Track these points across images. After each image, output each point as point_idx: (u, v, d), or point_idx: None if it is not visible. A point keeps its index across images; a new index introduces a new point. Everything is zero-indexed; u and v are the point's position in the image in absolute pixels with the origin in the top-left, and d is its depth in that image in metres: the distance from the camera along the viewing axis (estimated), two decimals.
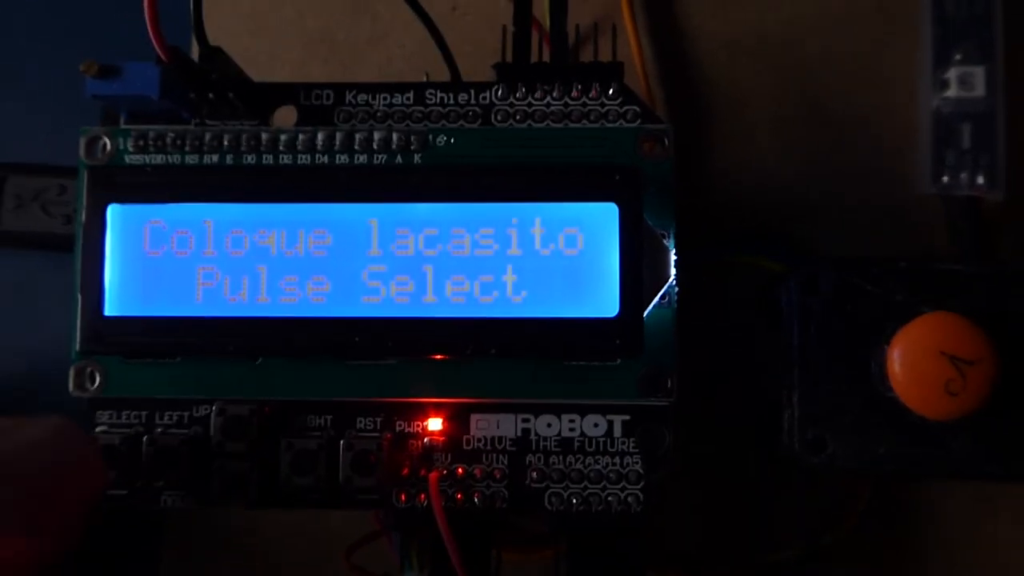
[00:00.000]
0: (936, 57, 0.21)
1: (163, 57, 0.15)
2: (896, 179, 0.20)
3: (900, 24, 0.20)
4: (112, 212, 0.15)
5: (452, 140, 0.16)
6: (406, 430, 0.16)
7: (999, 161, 0.21)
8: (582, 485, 0.16)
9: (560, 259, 0.15)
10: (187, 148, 0.16)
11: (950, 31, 0.21)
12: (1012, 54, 0.20)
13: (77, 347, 0.15)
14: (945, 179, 0.20)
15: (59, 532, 0.13)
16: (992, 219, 0.20)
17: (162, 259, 0.15)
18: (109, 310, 0.15)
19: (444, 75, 0.18)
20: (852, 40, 0.21)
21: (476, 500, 0.16)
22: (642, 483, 0.16)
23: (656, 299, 0.15)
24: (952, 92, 0.20)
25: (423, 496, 0.16)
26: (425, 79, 0.18)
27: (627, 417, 0.16)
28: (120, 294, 0.15)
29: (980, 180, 0.20)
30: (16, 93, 0.21)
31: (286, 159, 0.16)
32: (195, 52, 0.16)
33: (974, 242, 0.20)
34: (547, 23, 0.18)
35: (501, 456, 0.16)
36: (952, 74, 0.21)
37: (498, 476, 0.16)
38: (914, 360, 0.17)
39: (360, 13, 0.21)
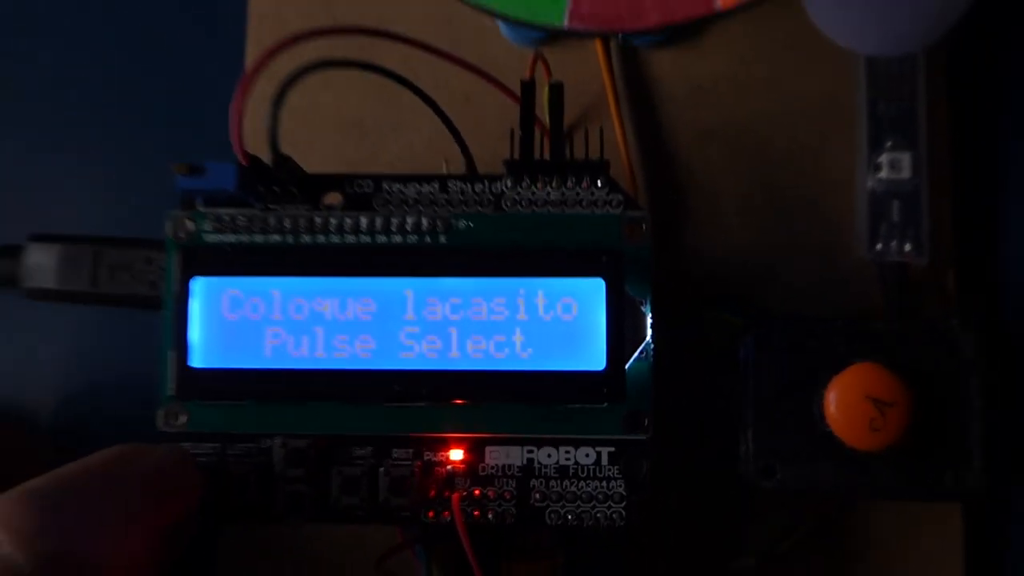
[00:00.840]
0: (871, 145, 0.24)
1: (242, 161, 0.18)
2: (838, 249, 0.24)
3: (843, 119, 0.24)
4: (196, 284, 0.19)
5: (471, 224, 0.19)
6: (433, 459, 0.19)
7: (923, 232, 0.24)
8: (576, 504, 0.19)
9: (559, 323, 0.18)
10: (255, 230, 0.19)
11: (882, 125, 0.25)
12: (932, 142, 0.24)
13: (168, 392, 0.19)
14: (879, 247, 0.24)
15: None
16: (917, 281, 0.24)
17: (237, 322, 0.19)
18: (193, 362, 0.19)
19: (459, 158, 0.22)
20: (804, 132, 0.24)
21: (490, 516, 0.19)
22: (624, 503, 0.19)
23: (635, 354, 0.19)
24: (884, 174, 0.24)
25: (447, 513, 0.19)
26: (444, 165, 0.22)
27: (612, 449, 0.19)
28: (202, 350, 0.19)
29: (908, 248, 0.24)
30: (110, 176, 0.25)
31: (335, 239, 0.19)
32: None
33: (903, 301, 0.24)
34: (547, 120, 0.21)
35: (510, 480, 0.19)
36: (884, 159, 0.24)
37: (508, 497, 0.19)
38: (845, 403, 0.20)
39: (386, 103, 0.24)
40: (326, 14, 0.25)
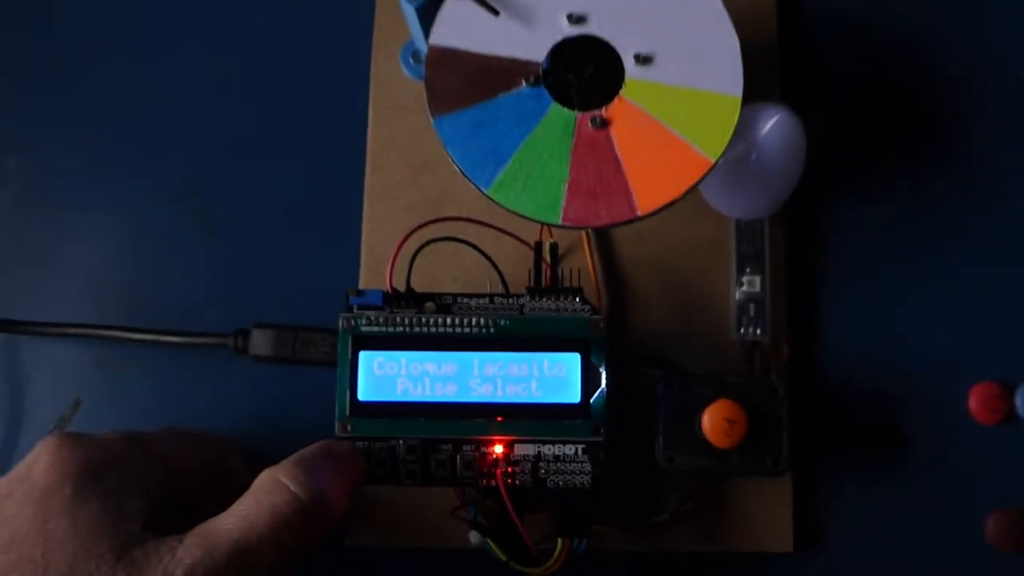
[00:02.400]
0: (738, 271, 0.38)
1: (388, 291, 0.34)
2: (718, 331, 0.36)
3: (723, 255, 0.37)
4: (360, 355, 0.34)
5: (507, 322, 0.33)
6: (485, 451, 0.31)
7: (767, 323, 0.37)
8: (563, 476, 0.31)
9: (555, 377, 0.32)
10: (389, 324, 0.34)
11: (744, 259, 0.37)
12: (774, 268, 0.39)
13: (345, 413, 0.33)
14: (741, 331, 0.37)
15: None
16: (764, 352, 0.39)
17: (383, 375, 0.33)
18: (360, 397, 0.33)
19: (498, 281, 0.35)
20: (699, 261, 0.37)
21: (517, 483, 0.31)
22: (590, 476, 0.32)
23: (596, 394, 0.33)
24: (745, 288, 0.38)
25: (494, 481, 0.31)
26: (488, 286, 0.36)
27: (583, 446, 0.31)
28: (363, 389, 0.32)
29: (759, 332, 0.38)
30: (302, 286, 0.39)
31: (433, 330, 0.34)
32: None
33: (754, 362, 0.39)
34: (547, 257, 0.36)
35: (528, 463, 0.31)
36: (745, 279, 0.39)
37: (527, 472, 0.31)
38: (712, 421, 0.33)
39: (456, 245, 0.36)
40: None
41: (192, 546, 0.28)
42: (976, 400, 0.38)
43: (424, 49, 0.36)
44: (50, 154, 0.41)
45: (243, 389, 0.38)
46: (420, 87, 0.34)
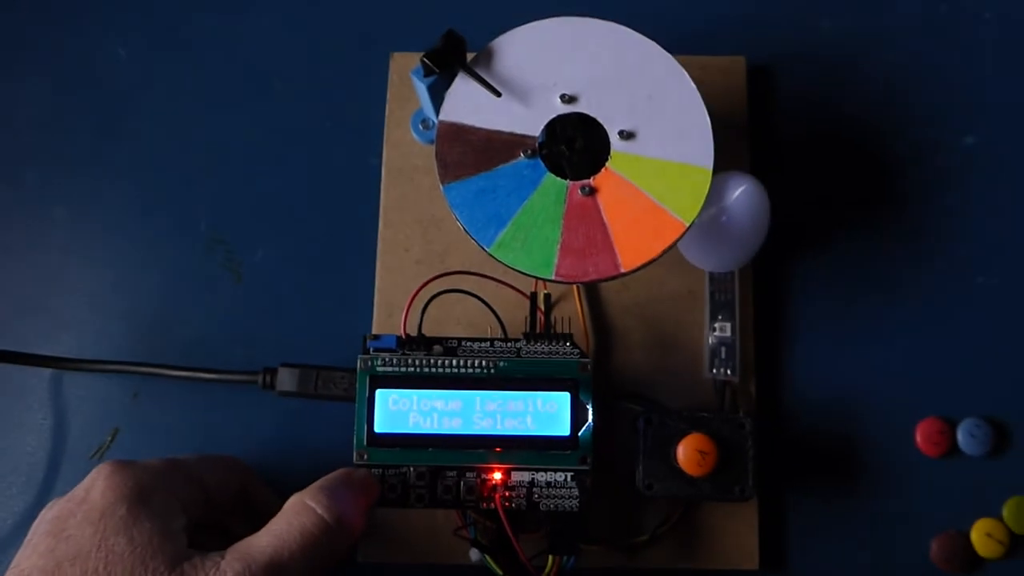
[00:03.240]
0: (711, 318, 0.43)
1: (402, 336, 0.38)
2: (693, 371, 0.41)
3: (698, 303, 0.43)
4: (376, 392, 0.38)
5: (506, 364, 0.38)
6: (486, 477, 0.35)
7: (737, 364, 0.42)
8: (554, 500, 0.36)
9: (548, 413, 0.36)
10: (402, 365, 0.38)
11: (716, 307, 0.42)
12: (743, 315, 0.44)
13: (363, 443, 0.37)
14: (714, 371, 0.43)
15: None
16: (734, 390, 0.43)
17: (396, 410, 0.37)
18: (376, 429, 0.37)
19: (497, 326, 0.41)
20: (676, 309, 0.42)
21: (513, 505, 0.36)
22: (578, 499, 0.37)
23: (583, 428, 0.38)
24: (717, 334, 0.43)
25: (493, 504, 0.35)
26: (489, 331, 0.41)
27: (572, 473, 0.35)
28: (379, 422, 0.37)
29: (729, 372, 0.43)
30: (326, 334, 0.43)
31: (441, 371, 0.38)
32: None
33: (725, 399, 0.43)
34: (542, 306, 0.41)
35: (523, 488, 0.35)
36: (717, 325, 0.44)
37: (522, 496, 0.35)
38: (686, 452, 0.38)
39: (459, 296, 0.41)
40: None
41: (233, 560, 0.32)
42: (922, 435, 0.43)
43: (433, 117, 0.41)
44: (96, 208, 0.46)
45: (269, 422, 0.42)
46: (429, 150, 0.39)
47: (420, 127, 0.44)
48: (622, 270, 0.37)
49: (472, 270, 0.40)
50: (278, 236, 0.45)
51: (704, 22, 0.47)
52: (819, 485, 0.42)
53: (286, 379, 0.40)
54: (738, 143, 0.44)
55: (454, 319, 0.42)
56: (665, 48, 0.39)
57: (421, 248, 0.44)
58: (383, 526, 0.41)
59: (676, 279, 0.42)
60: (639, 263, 0.37)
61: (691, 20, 0.47)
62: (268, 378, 0.40)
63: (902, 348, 0.44)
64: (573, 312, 0.42)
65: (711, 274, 0.42)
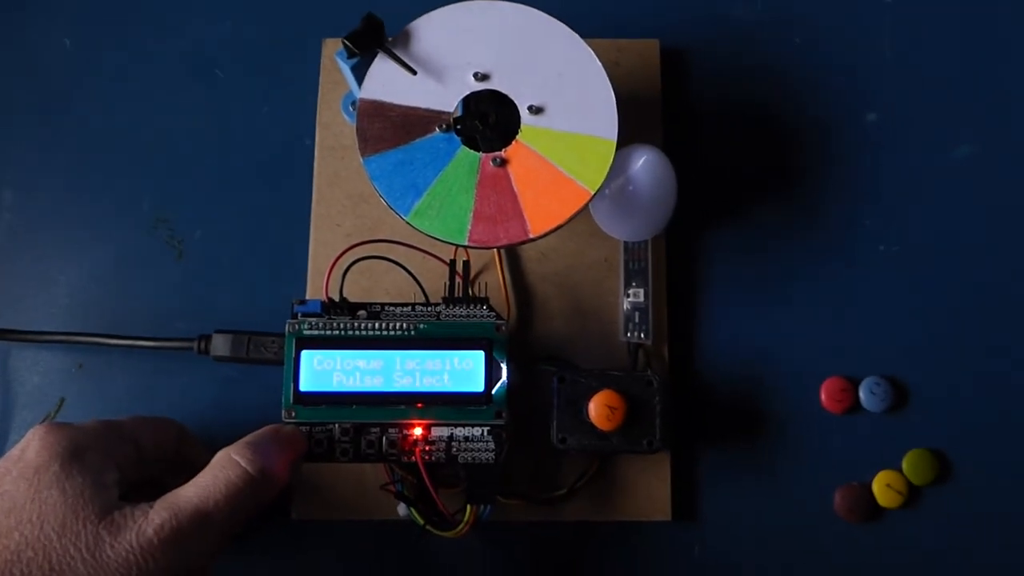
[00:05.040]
0: (625, 284, 0.46)
1: (325, 300, 0.40)
2: (608, 335, 0.43)
3: (613, 270, 0.45)
4: (302, 353, 0.40)
5: (425, 326, 0.41)
6: (407, 432, 0.37)
7: (650, 328, 0.46)
8: (472, 453, 0.38)
9: (464, 371, 0.38)
10: (327, 328, 0.41)
11: (630, 274, 0.45)
12: (656, 282, 0.47)
13: (290, 402, 0.39)
14: (628, 335, 0.46)
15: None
16: (647, 352, 0.46)
17: (321, 370, 0.39)
18: (301, 388, 0.39)
19: (419, 292, 0.44)
20: (594, 276, 0.44)
21: (432, 459, 0.39)
22: (494, 452, 0.40)
23: (497, 384, 0.40)
24: (631, 299, 0.46)
25: (414, 458, 0.38)
26: (413, 297, 0.44)
27: (488, 428, 0.38)
28: (304, 382, 0.39)
29: (642, 336, 0.46)
30: (255, 299, 0.46)
31: (364, 333, 0.40)
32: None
33: (638, 362, 0.45)
34: (460, 270, 0.44)
35: (442, 442, 0.37)
36: (631, 292, 0.46)
37: (441, 449, 0.38)
38: (596, 407, 0.40)
39: (387, 265, 0.46)
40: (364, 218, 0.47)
41: (161, 509, 0.34)
42: (826, 393, 0.45)
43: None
44: (42, 191, 0.48)
45: (206, 385, 0.44)
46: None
47: (351, 108, 0.47)
48: (531, 235, 0.39)
49: (394, 239, 0.42)
50: (218, 214, 0.47)
51: (622, 7, 0.50)
52: (730, 441, 0.45)
53: (220, 345, 0.42)
54: (652, 120, 0.47)
55: (383, 288, 0.45)
56: (583, 32, 0.41)
57: (352, 223, 0.46)
58: (315, 485, 0.43)
59: (593, 249, 0.45)
60: (547, 229, 0.39)
61: (609, 5, 0.50)
62: (203, 344, 0.43)
63: (807, 312, 0.46)
64: (495, 281, 0.44)
65: (626, 244, 0.44)
